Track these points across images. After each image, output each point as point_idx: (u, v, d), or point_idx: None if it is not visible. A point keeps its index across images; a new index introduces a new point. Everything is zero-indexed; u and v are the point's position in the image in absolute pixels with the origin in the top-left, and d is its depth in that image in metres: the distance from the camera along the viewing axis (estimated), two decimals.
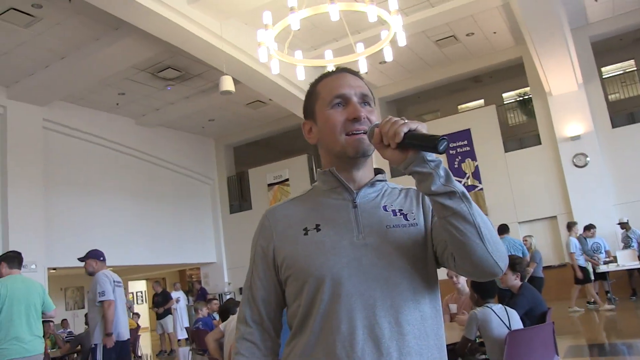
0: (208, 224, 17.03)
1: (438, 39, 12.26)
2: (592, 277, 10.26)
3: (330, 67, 7.21)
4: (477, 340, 3.71)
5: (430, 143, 1.13)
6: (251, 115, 15.85)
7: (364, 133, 1.30)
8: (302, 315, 1.29)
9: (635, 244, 10.32)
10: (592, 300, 10.30)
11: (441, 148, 1.11)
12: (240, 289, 13.02)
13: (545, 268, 9.91)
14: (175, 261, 16.00)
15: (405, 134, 1.14)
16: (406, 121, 1.16)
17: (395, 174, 13.43)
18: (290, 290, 1.33)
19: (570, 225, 10.48)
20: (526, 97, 14.50)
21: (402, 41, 7.17)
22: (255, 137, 17.54)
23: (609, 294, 10.42)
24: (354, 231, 1.30)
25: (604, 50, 13.48)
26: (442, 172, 1.16)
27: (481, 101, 16.52)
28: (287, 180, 16.06)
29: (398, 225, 1.32)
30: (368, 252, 1.27)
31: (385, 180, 1.42)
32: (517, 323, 3.58)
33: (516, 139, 13.93)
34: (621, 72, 14.86)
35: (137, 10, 8.47)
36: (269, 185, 16.35)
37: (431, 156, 1.16)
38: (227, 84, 9.85)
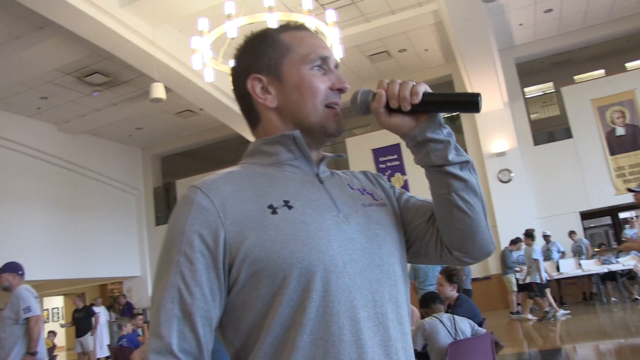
0: (132, 236, 16.34)
1: (371, 54, 12.46)
2: (516, 288, 10.66)
3: None
4: (423, 351, 3.70)
5: (469, 98, 0.99)
6: (180, 125, 15.46)
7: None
8: (279, 327, 0.93)
9: (556, 255, 10.78)
10: (516, 310, 10.68)
11: (480, 105, 0.99)
12: None
13: (471, 280, 10.15)
14: (97, 275, 15.24)
15: (423, 94, 1.00)
16: (416, 82, 1.02)
17: None
18: (250, 294, 0.95)
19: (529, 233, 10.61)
20: (454, 113, 14.97)
21: (338, 53, 7.20)
22: (184, 147, 17.10)
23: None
24: (332, 209, 1.03)
25: (527, 71, 14.17)
26: (454, 140, 1.04)
27: None
28: None
29: (371, 204, 1.11)
30: (356, 234, 1.02)
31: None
32: (463, 332, 3.59)
33: None
34: (541, 93, 15.64)
35: (65, 10, 8.06)
36: None
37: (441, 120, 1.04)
38: (158, 91, 9.58)
